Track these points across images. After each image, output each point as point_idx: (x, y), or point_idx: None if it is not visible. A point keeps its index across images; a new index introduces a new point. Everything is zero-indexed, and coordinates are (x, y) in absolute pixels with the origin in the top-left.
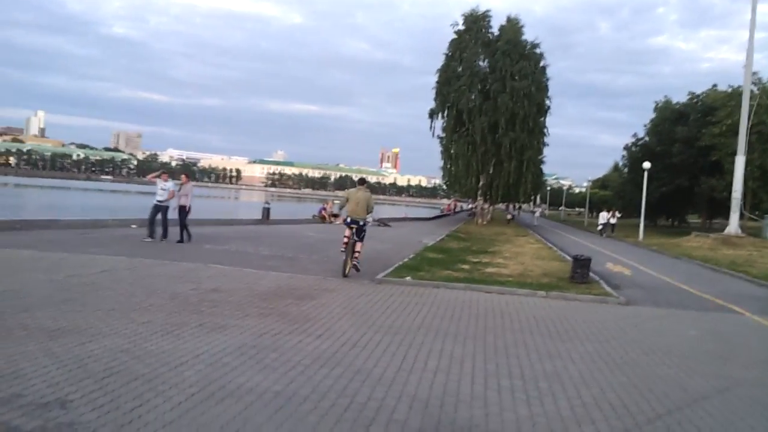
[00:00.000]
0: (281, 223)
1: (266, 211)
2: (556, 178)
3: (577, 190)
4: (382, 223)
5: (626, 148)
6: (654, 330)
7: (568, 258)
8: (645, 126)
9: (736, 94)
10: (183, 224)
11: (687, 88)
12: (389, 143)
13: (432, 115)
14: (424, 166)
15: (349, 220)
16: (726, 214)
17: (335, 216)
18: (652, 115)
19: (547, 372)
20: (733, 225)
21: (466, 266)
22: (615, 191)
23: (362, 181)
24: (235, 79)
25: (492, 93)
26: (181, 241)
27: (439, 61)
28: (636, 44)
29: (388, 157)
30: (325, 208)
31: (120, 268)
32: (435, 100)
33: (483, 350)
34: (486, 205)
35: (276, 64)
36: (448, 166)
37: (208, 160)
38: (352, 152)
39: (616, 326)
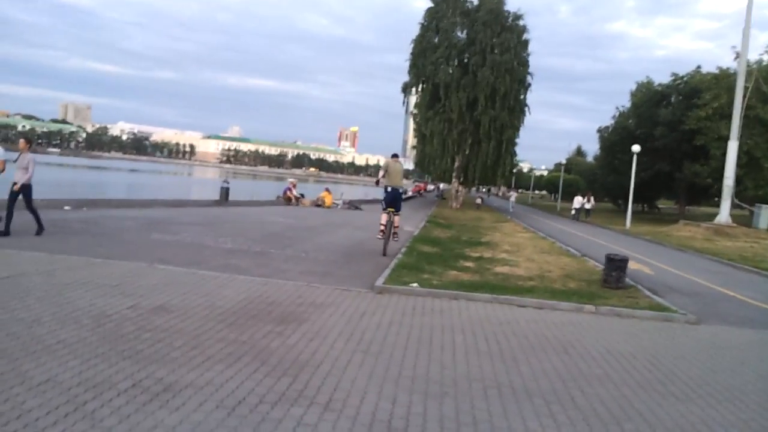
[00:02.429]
0: (242, 205)
1: (225, 192)
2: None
3: (537, 174)
4: (353, 206)
5: (600, 131)
6: None
7: (575, 252)
8: (618, 108)
9: (723, 77)
10: (10, 208)
11: (642, 74)
12: (348, 122)
13: (405, 89)
14: (382, 145)
15: (390, 189)
16: (704, 200)
17: (301, 196)
18: (614, 99)
19: None
20: (724, 214)
21: (469, 264)
22: (584, 175)
23: (395, 155)
24: (191, 52)
25: (471, 67)
26: (6, 233)
27: (402, 40)
28: (594, 29)
29: (347, 135)
30: (290, 189)
31: (31, 271)
32: (409, 73)
33: (589, 430)
34: (461, 188)
35: (233, 38)
36: (421, 145)
37: (160, 134)
38: (310, 130)
39: (720, 365)
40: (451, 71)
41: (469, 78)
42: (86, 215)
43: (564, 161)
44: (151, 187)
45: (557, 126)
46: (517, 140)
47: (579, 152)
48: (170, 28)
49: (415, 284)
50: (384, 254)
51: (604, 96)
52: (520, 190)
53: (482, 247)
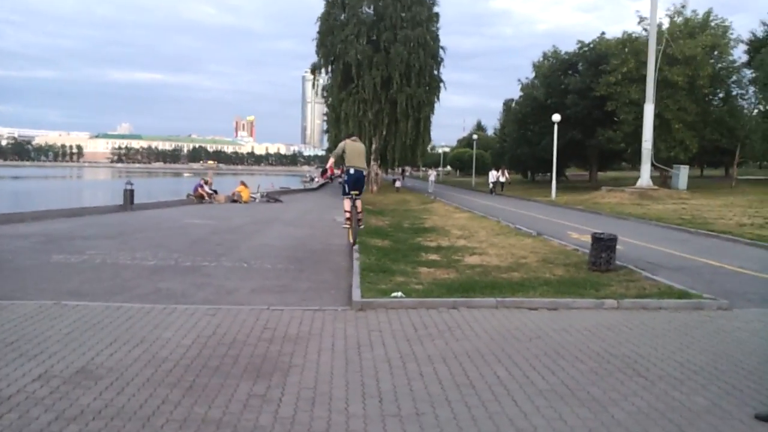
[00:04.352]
0: (150, 207)
1: (129, 194)
2: None
3: (440, 151)
4: (272, 198)
5: (506, 103)
6: None
7: (528, 231)
8: (520, 81)
9: (629, 41)
10: None
11: (526, 49)
12: (244, 111)
13: (314, 70)
14: (281, 133)
15: (352, 171)
16: (610, 166)
17: (215, 193)
18: (503, 75)
19: None
20: (645, 177)
21: (434, 256)
22: (493, 150)
23: (352, 135)
24: (71, 49)
25: (383, 44)
26: None
27: (293, 26)
28: (479, 7)
29: (244, 125)
30: (202, 185)
31: None
32: (317, 53)
33: None
34: (379, 171)
35: (115, 31)
36: (336, 129)
37: (44, 137)
38: (205, 122)
39: None
40: (362, 49)
41: (381, 55)
42: None
43: (475, 137)
44: (41, 194)
45: (450, 103)
46: (432, 117)
47: (479, 127)
48: (46, 25)
49: (399, 293)
50: (354, 243)
51: (493, 72)
52: (439, 169)
53: (432, 234)
